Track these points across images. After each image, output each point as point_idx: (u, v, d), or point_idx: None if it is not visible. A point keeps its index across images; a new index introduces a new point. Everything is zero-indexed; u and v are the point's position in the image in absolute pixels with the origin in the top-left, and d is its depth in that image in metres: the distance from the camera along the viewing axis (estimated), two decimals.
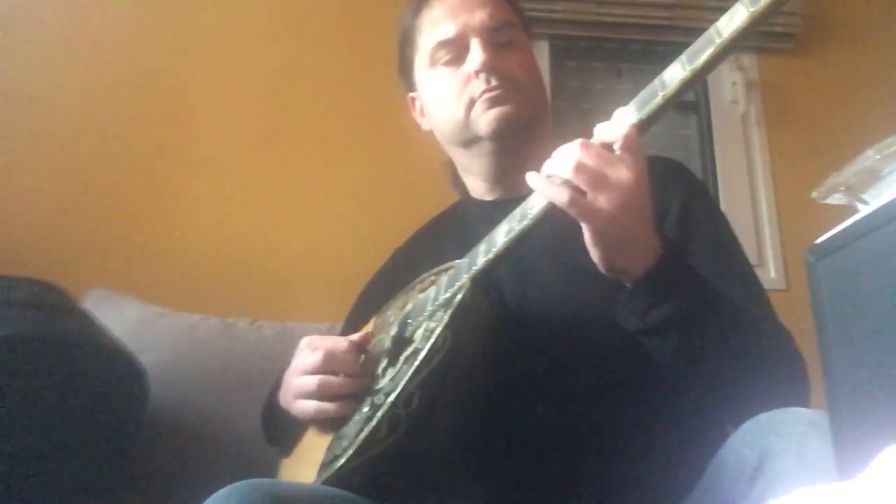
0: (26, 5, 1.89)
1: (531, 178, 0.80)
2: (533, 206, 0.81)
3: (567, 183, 0.75)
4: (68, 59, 1.87)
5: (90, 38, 1.90)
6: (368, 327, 1.03)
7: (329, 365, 0.89)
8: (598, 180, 0.74)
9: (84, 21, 1.91)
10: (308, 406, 0.90)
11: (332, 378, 0.89)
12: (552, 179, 0.77)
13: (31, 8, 1.89)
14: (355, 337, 0.94)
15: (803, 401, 0.81)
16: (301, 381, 0.91)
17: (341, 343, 0.92)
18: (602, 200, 0.74)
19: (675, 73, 0.75)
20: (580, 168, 0.75)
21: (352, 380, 0.89)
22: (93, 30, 1.91)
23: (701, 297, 0.80)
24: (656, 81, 0.77)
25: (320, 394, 0.89)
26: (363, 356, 0.94)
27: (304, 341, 0.95)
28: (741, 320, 0.84)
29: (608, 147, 0.77)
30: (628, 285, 0.80)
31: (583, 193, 0.75)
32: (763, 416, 0.73)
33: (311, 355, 0.91)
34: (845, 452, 0.50)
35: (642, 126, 0.77)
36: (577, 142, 0.77)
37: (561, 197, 0.75)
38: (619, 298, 0.81)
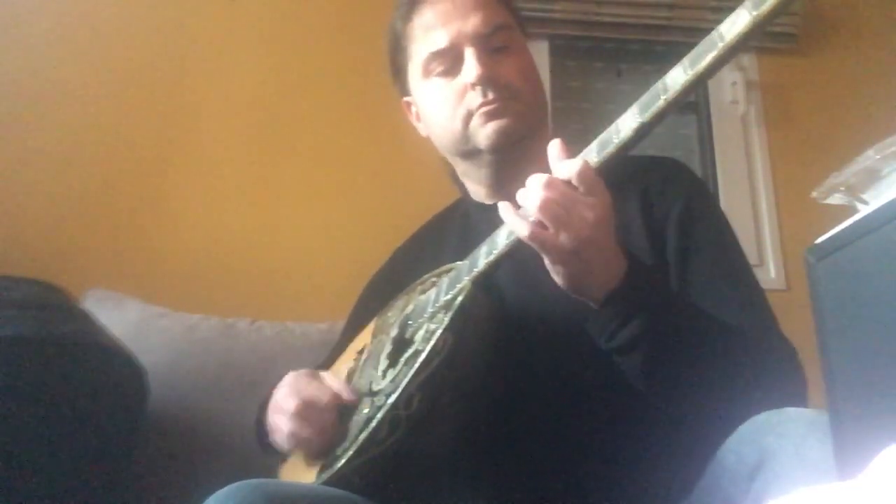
0: (26, 5, 1.89)
1: (503, 209, 0.82)
2: None
3: (532, 217, 0.78)
4: (68, 58, 1.87)
5: (90, 38, 1.90)
6: (369, 328, 1.03)
7: (305, 413, 0.87)
8: (560, 219, 0.76)
9: (84, 21, 1.91)
10: (284, 444, 0.91)
11: (303, 429, 0.87)
12: (520, 212, 0.80)
13: (30, 8, 1.89)
14: (343, 395, 0.89)
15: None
16: (275, 419, 0.91)
17: (322, 399, 0.88)
18: (563, 238, 0.76)
19: (678, 77, 0.74)
20: (544, 205, 0.76)
21: (322, 436, 0.87)
22: (93, 30, 1.91)
23: (667, 317, 0.81)
24: (658, 84, 0.76)
25: (291, 441, 0.89)
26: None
27: (289, 377, 0.94)
28: (717, 338, 0.84)
29: (571, 184, 0.78)
30: (594, 306, 0.81)
31: (545, 228, 0.77)
32: (762, 416, 0.73)
33: (288, 400, 0.89)
34: (845, 452, 0.50)
35: (644, 130, 0.77)
36: (544, 178, 0.78)
37: (522, 230, 0.78)
38: (587, 321, 0.82)
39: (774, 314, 0.94)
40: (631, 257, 0.82)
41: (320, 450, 0.87)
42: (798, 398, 0.85)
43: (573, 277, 0.80)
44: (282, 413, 0.90)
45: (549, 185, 0.77)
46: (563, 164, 0.80)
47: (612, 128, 0.79)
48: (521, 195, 0.80)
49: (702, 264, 0.94)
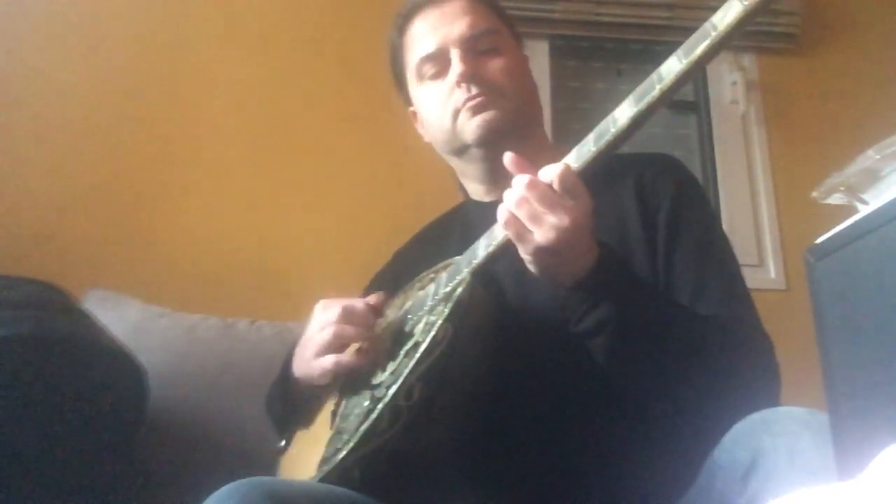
0: (28, 5, 1.89)
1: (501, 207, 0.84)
2: None
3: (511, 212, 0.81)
4: (69, 59, 1.87)
5: (91, 38, 1.90)
6: None
7: (346, 317, 0.91)
8: (536, 218, 0.79)
9: (85, 21, 1.91)
10: (326, 360, 0.91)
11: (347, 327, 0.91)
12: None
13: (32, 8, 1.89)
14: (371, 298, 0.96)
15: (769, 404, 0.81)
16: (320, 335, 0.92)
17: (358, 301, 0.95)
18: (537, 236, 0.79)
19: (672, 67, 0.76)
20: (520, 203, 0.80)
21: (367, 331, 0.92)
22: (94, 29, 1.91)
23: (634, 304, 0.83)
24: (653, 75, 0.78)
25: (337, 343, 0.91)
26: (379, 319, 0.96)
27: (320, 304, 0.97)
28: (688, 327, 0.86)
29: (552, 187, 0.81)
30: (564, 292, 0.84)
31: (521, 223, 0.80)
32: (756, 416, 0.73)
33: (328, 311, 0.93)
34: (845, 452, 0.50)
35: (640, 119, 0.78)
36: (527, 178, 0.81)
37: (501, 218, 0.82)
38: (561, 305, 0.85)
39: (755, 307, 0.96)
40: (603, 247, 0.84)
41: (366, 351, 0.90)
42: (769, 392, 0.87)
43: (543, 269, 0.83)
44: (324, 326, 0.92)
45: (530, 185, 0.80)
46: (548, 167, 0.82)
47: (609, 118, 0.81)
48: (506, 192, 0.83)
49: (686, 253, 0.96)
